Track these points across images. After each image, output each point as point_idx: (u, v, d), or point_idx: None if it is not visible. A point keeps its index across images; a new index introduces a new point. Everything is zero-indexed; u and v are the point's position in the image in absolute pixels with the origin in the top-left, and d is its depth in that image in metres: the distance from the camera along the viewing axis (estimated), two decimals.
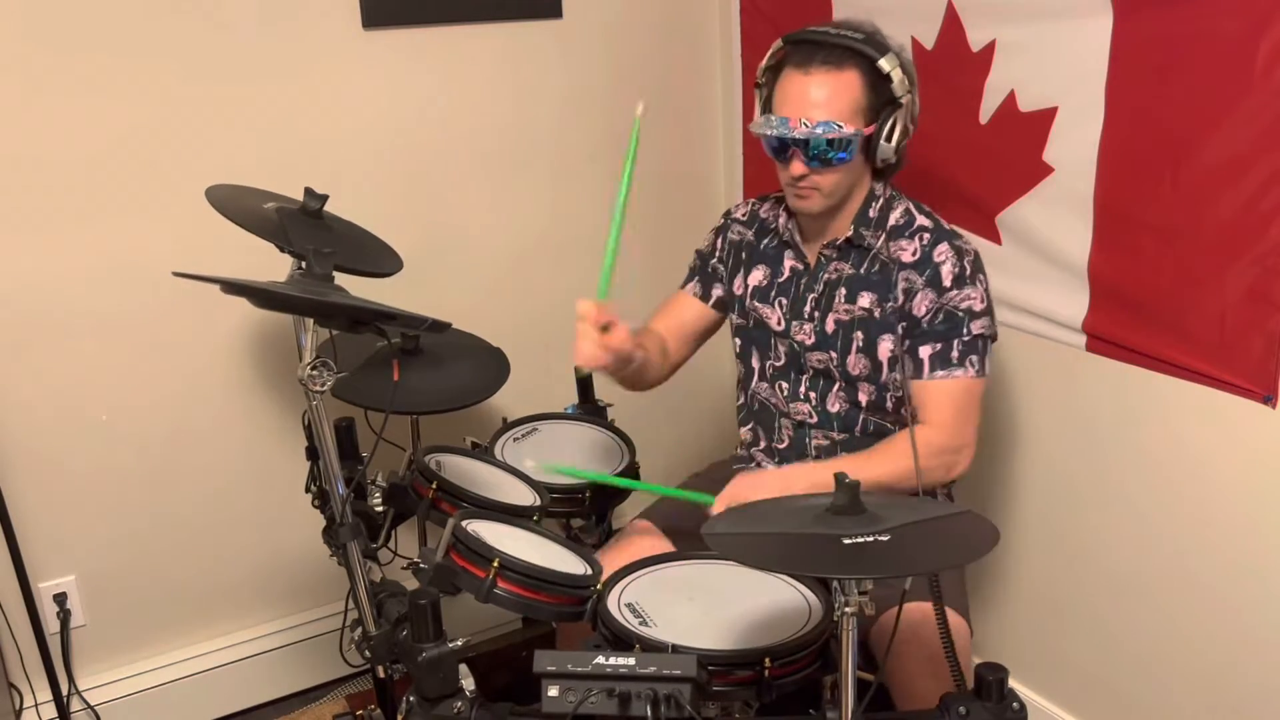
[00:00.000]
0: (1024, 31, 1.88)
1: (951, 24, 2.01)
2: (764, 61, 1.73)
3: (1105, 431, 1.95)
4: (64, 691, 2.27)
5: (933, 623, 1.61)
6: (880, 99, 1.65)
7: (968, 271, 1.70)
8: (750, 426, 1.96)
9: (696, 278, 2.00)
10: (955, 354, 1.69)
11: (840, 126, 1.62)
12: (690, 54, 2.66)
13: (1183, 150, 1.68)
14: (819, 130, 1.63)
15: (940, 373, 1.69)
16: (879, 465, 1.67)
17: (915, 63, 2.08)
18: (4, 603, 2.18)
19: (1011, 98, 1.93)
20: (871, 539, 1.14)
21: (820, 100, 1.63)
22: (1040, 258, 1.94)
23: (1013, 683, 1.36)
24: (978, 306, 1.70)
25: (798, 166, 1.67)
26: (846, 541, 1.14)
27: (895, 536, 1.15)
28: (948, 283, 1.69)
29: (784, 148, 1.67)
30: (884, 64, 1.63)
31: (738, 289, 1.92)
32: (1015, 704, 1.34)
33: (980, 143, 2.01)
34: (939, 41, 2.04)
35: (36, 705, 2.26)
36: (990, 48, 1.95)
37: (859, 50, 1.63)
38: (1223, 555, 1.80)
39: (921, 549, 1.18)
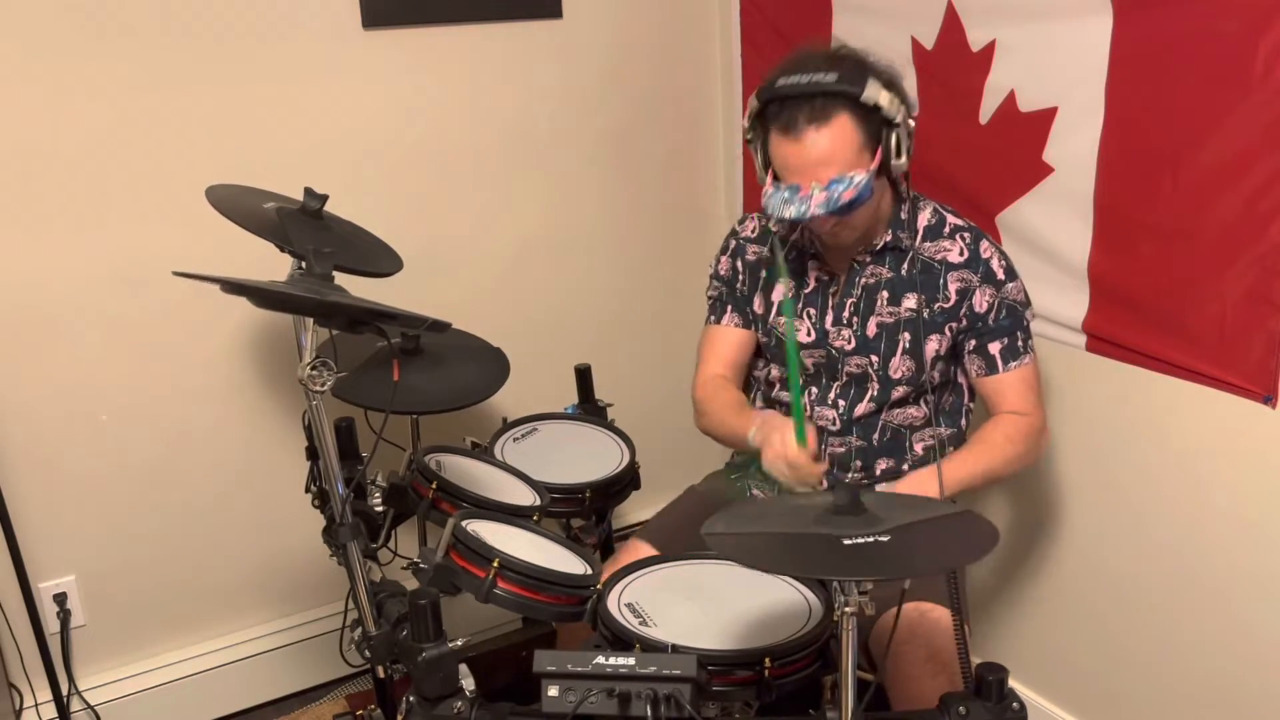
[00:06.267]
0: (1024, 31, 1.88)
1: (951, 24, 2.01)
2: (746, 119, 1.68)
3: (1105, 431, 1.95)
4: (64, 691, 2.27)
5: (930, 622, 1.62)
6: (876, 126, 1.59)
7: (1010, 266, 1.74)
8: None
9: (730, 306, 1.93)
10: (1020, 343, 1.75)
11: (853, 178, 1.57)
12: (690, 54, 2.66)
13: (1183, 150, 1.68)
14: (835, 189, 1.56)
15: (1013, 364, 1.74)
16: (992, 454, 1.73)
17: (915, 63, 2.10)
18: (4, 603, 2.18)
19: (1011, 98, 1.93)
20: (871, 539, 1.14)
21: (822, 159, 1.58)
22: (1040, 258, 1.93)
23: (1013, 683, 1.36)
24: (1023, 296, 1.75)
25: (824, 224, 1.66)
26: (846, 542, 1.14)
27: (895, 537, 1.15)
28: (1001, 276, 1.72)
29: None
30: (868, 96, 1.56)
31: (758, 308, 1.90)
32: (1015, 704, 1.35)
33: (980, 143, 2.01)
34: (939, 41, 2.04)
35: (36, 705, 2.26)
36: (990, 48, 1.95)
37: (839, 92, 1.56)
38: (1222, 555, 1.80)
39: (921, 550, 1.18)
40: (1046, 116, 1.88)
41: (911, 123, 1.65)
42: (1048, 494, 2.11)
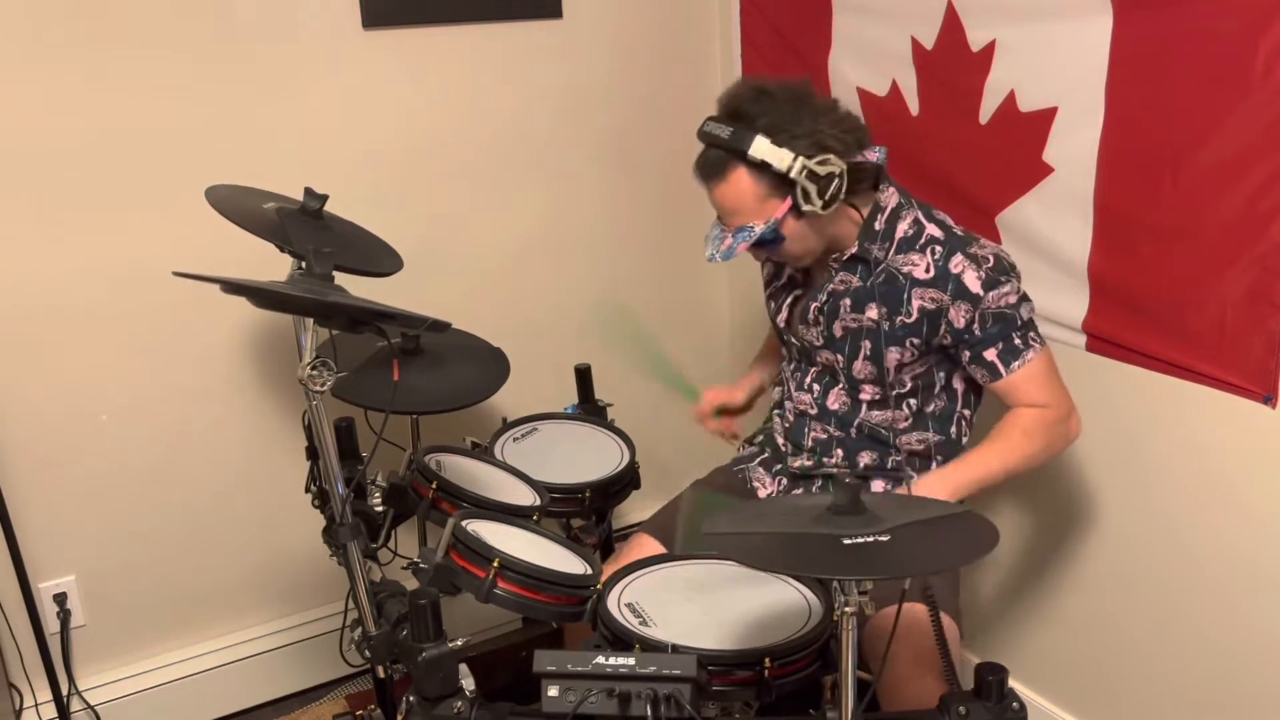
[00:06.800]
0: (1024, 31, 1.88)
1: (951, 24, 2.01)
2: None
3: (1104, 432, 1.95)
4: (64, 691, 2.27)
5: (919, 624, 1.61)
6: (775, 177, 1.62)
7: (993, 274, 1.66)
8: (779, 400, 1.99)
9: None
10: (1019, 342, 1.69)
11: (753, 227, 1.65)
12: (690, 54, 2.66)
13: (1183, 150, 1.68)
14: (737, 239, 1.67)
15: (1016, 364, 1.69)
16: (1011, 451, 1.71)
17: (915, 63, 2.09)
18: (4, 603, 2.18)
19: (1011, 98, 1.93)
20: (871, 539, 1.14)
21: (726, 210, 1.69)
22: (1040, 258, 1.93)
23: (1013, 683, 1.36)
24: (1014, 298, 1.68)
25: (757, 255, 1.78)
26: (846, 542, 1.14)
27: (895, 537, 1.15)
28: (977, 289, 1.65)
29: None
30: (754, 154, 1.60)
31: (771, 309, 1.97)
32: (1015, 704, 1.35)
33: (980, 143, 2.01)
34: (939, 41, 2.04)
35: (36, 705, 2.26)
36: (990, 48, 1.95)
37: (729, 148, 1.62)
38: (1222, 555, 1.80)
39: (922, 549, 1.18)
40: (1046, 116, 1.88)
41: (828, 164, 1.61)
42: (1047, 494, 2.11)
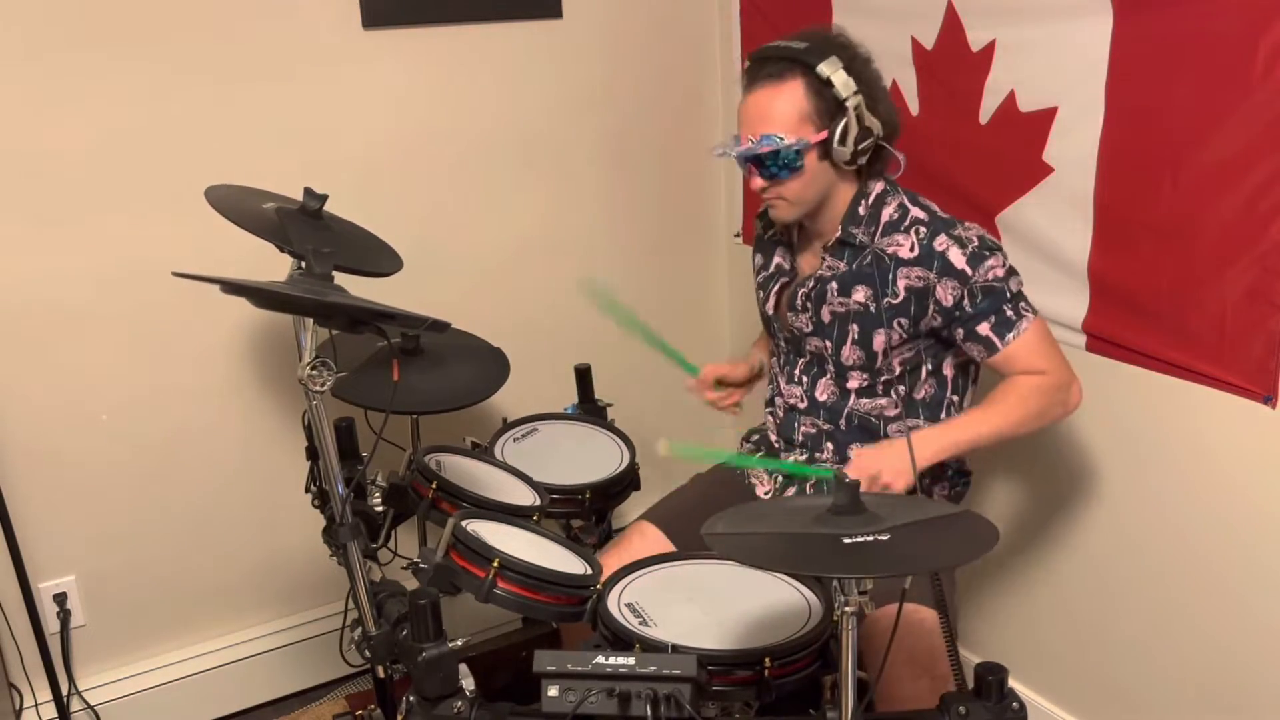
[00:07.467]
0: (1024, 31, 1.88)
1: (951, 24, 2.01)
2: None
3: (1104, 432, 1.95)
4: (64, 691, 2.27)
5: (912, 624, 1.61)
6: (827, 104, 1.64)
7: (978, 250, 1.67)
8: (770, 397, 2.00)
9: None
10: (1011, 314, 1.69)
11: (781, 139, 1.65)
12: (690, 54, 2.66)
13: (1183, 150, 1.68)
14: (762, 144, 1.66)
15: (1010, 335, 1.69)
16: (1006, 414, 1.70)
17: (915, 62, 2.09)
18: (4, 603, 2.18)
19: (1011, 98, 1.93)
20: (871, 538, 1.14)
21: (763, 115, 1.67)
22: (1040, 258, 1.93)
23: (1012, 682, 1.36)
24: (1002, 271, 1.68)
25: (755, 180, 1.73)
26: (846, 541, 1.14)
27: (895, 536, 1.16)
28: (961, 265, 1.66)
29: (744, 163, 1.71)
30: (823, 69, 1.62)
31: (757, 276, 1.98)
32: (1015, 704, 1.35)
33: (980, 143, 2.01)
34: (939, 41, 2.05)
35: (36, 705, 2.26)
36: (990, 48, 1.95)
37: (798, 59, 1.64)
38: (1222, 556, 1.80)
39: (921, 548, 1.18)
40: (1046, 116, 1.88)
41: (872, 120, 1.66)
42: (1047, 494, 2.11)
